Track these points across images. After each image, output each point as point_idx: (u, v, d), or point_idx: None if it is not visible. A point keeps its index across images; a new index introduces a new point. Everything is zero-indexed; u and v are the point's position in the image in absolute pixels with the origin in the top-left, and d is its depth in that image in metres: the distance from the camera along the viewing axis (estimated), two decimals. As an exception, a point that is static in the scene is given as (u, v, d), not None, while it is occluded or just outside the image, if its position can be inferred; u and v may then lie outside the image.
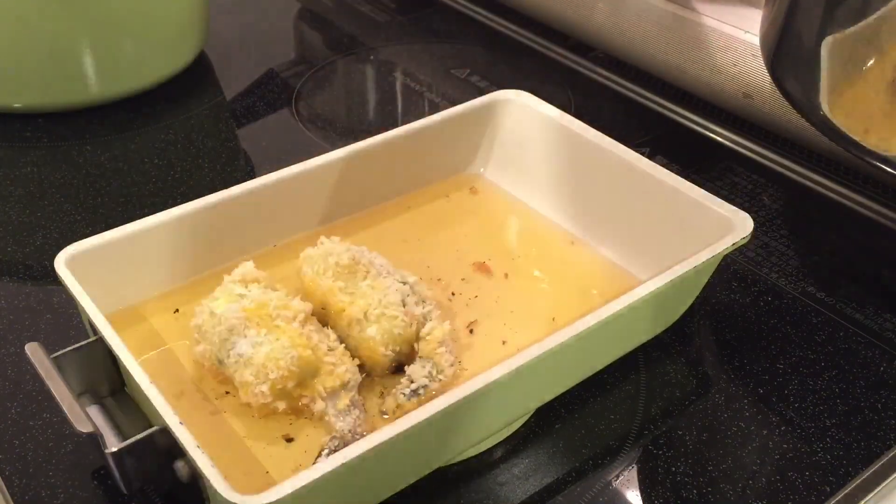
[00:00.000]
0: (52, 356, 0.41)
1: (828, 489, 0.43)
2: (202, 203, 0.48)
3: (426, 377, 0.43)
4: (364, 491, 0.39)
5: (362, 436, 0.40)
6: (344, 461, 0.35)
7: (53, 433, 0.44)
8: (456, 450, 0.42)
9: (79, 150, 0.67)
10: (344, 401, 0.42)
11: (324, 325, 0.45)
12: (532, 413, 0.46)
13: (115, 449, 0.37)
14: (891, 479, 0.43)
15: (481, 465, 0.44)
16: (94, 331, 0.42)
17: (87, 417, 0.37)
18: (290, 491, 0.33)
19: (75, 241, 0.45)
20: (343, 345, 0.44)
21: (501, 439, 0.45)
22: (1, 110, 0.70)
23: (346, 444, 0.39)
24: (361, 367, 0.44)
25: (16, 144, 0.68)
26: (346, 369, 0.42)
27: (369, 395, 0.44)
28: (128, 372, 0.38)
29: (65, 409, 0.38)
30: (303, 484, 0.34)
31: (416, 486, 0.41)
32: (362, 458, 0.35)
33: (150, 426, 0.38)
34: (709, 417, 0.46)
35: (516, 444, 0.45)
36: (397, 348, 0.44)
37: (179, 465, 0.38)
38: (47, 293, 0.53)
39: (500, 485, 0.43)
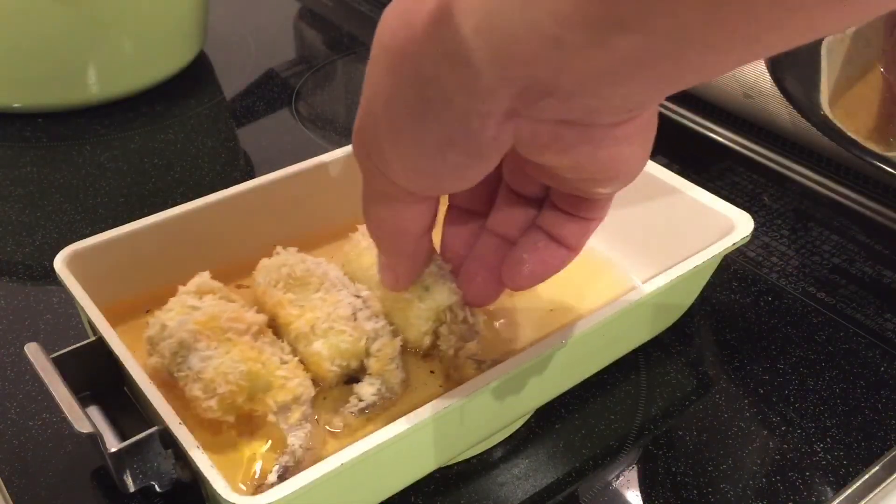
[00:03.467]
0: (51, 356, 0.40)
1: (828, 489, 0.43)
2: (202, 203, 0.48)
3: (374, 395, 0.42)
4: (364, 491, 0.39)
5: (313, 451, 0.39)
6: (343, 461, 0.35)
7: (53, 433, 0.44)
8: (456, 450, 0.42)
9: (79, 150, 0.67)
10: (296, 415, 0.40)
11: (280, 338, 0.44)
12: (532, 413, 0.46)
13: (114, 449, 0.37)
14: (891, 479, 0.43)
15: (481, 465, 0.44)
16: (94, 331, 0.42)
17: (86, 417, 0.37)
18: (289, 491, 0.33)
19: (75, 241, 0.45)
20: (297, 358, 0.43)
21: (501, 439, 0.45)
22: (1, 110, 0.70)
23: (297, 460, 0.38)
24: (315, 381, 0.43)
25: (16, 144, 0.68)
26: (298, 383, 0.41)
27: (322, 409, 0.43)
28: (128, 372, 0.38)
29: (64, 409, 0.38)
30: (302, 484, 0.34)
31: (416, 486, 0.41)
32: (361, 459, 0.35)
33: (150, 426, 0.38)
34: (709, 417, 0.46)
35: (516, 444, 0.45)
36: (344, 363, 0.43)
37: (179, 466, 0.38)
38: (47, 293, 0.53)
39: (500, 485, 0.43)
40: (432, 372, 0.45)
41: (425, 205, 0.33)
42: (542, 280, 0.35)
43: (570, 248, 0.35)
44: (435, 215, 0.35)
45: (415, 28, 0.26)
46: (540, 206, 0.36)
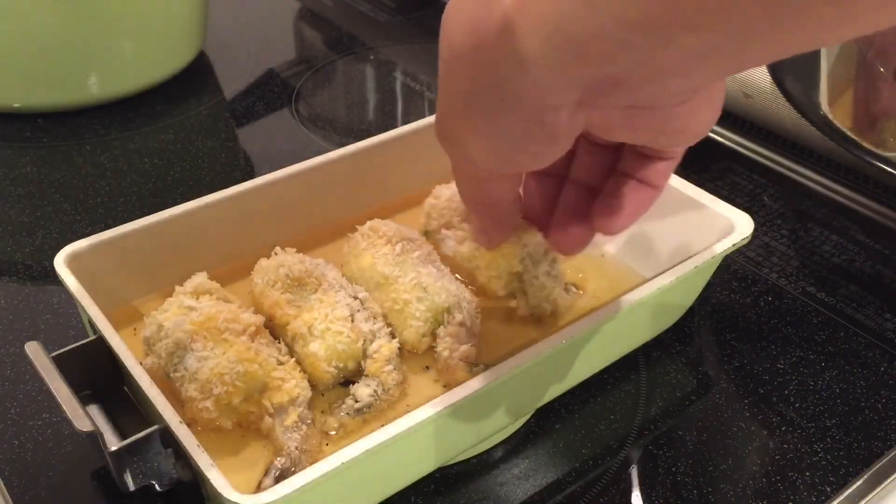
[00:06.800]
0: (51, 355, 0.40)
1: (828, 489, 0.43)
2: (202, 203, 0.48)
3: (371, 396, 0.42)
4: (364, 490, 0.39)
5: (310, 453, 0.39)
6: (344, 460, 0.35)
7: (53, 433, 0.44)
8: (456, 450, 0.42)
9: (79, 150, 0.67)
10: (292, 417, 0.40)
11: (277, 339, 0.44)
12: (532, 413, 0.46)
13: (115, 448, 0.37)
14: (891, 479, 0.43)
15: (481, 465, 0.44)
16: (94, 330, 0.42)
17: (86, 416, 0.37)
18: (289, 490, 0.33)
19: (75, 240, 0.45)
20: (294, 359, 0.43)
21: (501, 439, 0.45)
22: (1, 110, 0.70)
23: (294, 463, 0.38)
24: (312, 382, 0.43)
25: (16, 144, 0.68)
26: (294, 384, 0.41)
27: (319, 410, 0.43)
28: (128, 371, 0.38)
29: (65, 408, 0.38)
30: (302, 483, 0.34)
31: (416, 486, 0.41)
32: (362, 458, 0.35)
33: (150, 425, 0.38)
34: (709, 417, 0.46)
35: (516, 444, 0.45)
36: (341, 364, 0.43)
37: (179, 465, 0.38)
38: (47, 293, 0.53)
39: (500, 485, 0.43)
40: (430, 373, 0.45)
41: (509, 179, 0.35)
42: (635, 221, 0.37)
43: (655, 188, 0.36)
44: (520, 184, 0.37)
45: (484, 37, 0.27)
46: (619, 150, 0.37)
